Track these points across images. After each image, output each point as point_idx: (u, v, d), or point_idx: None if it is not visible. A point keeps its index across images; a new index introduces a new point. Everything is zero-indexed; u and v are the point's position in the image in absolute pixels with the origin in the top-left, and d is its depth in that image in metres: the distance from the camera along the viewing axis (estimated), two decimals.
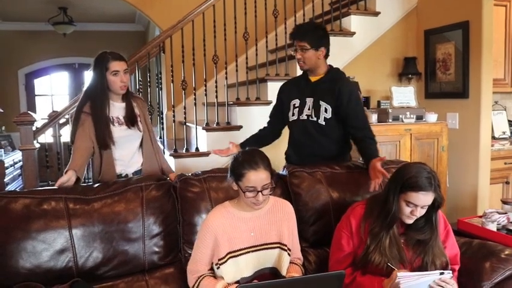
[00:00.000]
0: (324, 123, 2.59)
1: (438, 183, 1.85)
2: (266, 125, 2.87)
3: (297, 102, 2.68)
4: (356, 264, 1.95)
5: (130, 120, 2.55)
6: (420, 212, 1.83)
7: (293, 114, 2.69)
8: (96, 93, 2.47)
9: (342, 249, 1.99)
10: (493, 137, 4.18)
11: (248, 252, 1.90)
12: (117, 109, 2.55)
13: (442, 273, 1.73)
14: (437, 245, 1.90)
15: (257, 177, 1.80)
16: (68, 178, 2.24)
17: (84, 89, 2.56)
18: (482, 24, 3.61)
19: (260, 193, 1.81)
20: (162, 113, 3.93)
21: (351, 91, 2.60)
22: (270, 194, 1.91)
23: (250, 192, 1.82)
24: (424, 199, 1.80)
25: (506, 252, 2.09)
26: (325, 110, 2.59)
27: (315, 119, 2.61)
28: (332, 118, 2.59)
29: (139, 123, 2.59)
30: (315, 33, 2.59)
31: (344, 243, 1.99)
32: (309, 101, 2.63)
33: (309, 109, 2.63)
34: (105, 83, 2.46)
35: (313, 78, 2.68)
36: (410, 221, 1.87)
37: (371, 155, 2.46)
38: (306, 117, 2.63)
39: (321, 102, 2.60)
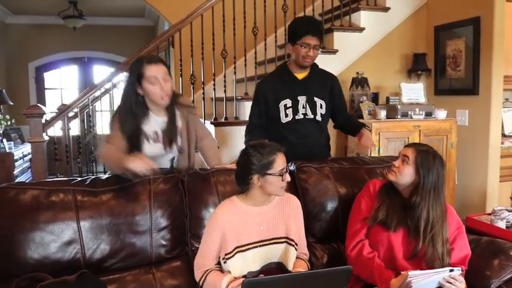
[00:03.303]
0: (320, 119, 2.63)
1: None
2: (256, 131, 2.64)
3: (288, 102, 2.60)
4: (367, 220, 2.02)
5: (169, 138, 2.20)
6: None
7: (286, 115, 2.61)
8: (126, 110, 2.10)
9: (360, 213, 2.07)
10: (503, 135, 4.14)
11: (256, 247, 1.90)
12: (156, 123, 2.20)
13: (451, 270, 1.74)
14: (441, 233, 1.92)
15: (283, 158, 1.87)
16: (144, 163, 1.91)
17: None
18: (494, 20, 3.57)
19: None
20: None
21: (339, 84, 2.78)
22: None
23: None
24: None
25: None
26: (321, 106, 2.62)
27: (312, 116, 2.61)
28: (327, 113, 2.67)
29: (178, 142, 2.26)
30: (323, 30, 2.70)
31: (363, 206, 2.08)
32: (302, 99, 2.60)
33: (303, 107, 2.60)
34: (138, 95, 2.07)
35: (300, 76, 2.63)
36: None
37: (357, 124, 2.76)
38: (302, 116, 2.61)
39: (316, 99, 2.60)
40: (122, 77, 3.80)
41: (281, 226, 1.95)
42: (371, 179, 2.24)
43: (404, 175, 1.96)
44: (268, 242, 1.92)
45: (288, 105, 2.60)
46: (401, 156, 2.00)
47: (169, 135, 2.20)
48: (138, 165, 1.88)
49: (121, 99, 2.16)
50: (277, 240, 1.93)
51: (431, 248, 1.89)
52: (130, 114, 2.10)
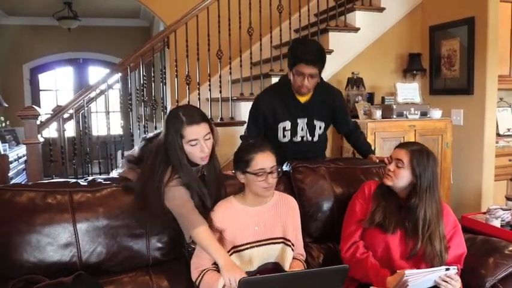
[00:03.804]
0: (317, 139, 2.62)
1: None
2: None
3: (287, 125, 2.55)
4: (363, 223, 2.02)
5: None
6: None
7: (284, 136, 2.58)
8: (180, 162, 1.89)
9: (355, 215, 2.07)
10: (498, 134, 4.16)
11: (252, 246, 1.90)
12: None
13: (447, 269, 1.75)
14: (438, 230, 1.93)
15: (265, 158, 1.84)
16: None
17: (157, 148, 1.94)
18: (488, 20, 3.60)
19: (270, 175, 1.84)
20: (166, 108, 3.93)
21: (342, 99, 2.69)
22: (277, 178, 1.91)
23: (260, 176, 1.83)
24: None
25: (510, 249, 2.10)
26: (320, 128, 2.60)
27: (310, 138, 2.60)
28: (324, 131, 2.65)
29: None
30: (324, 57, 2.39)
31: (357, 209, 2.08)
32: (302, 122, 2.56)
33: (302, 130, 2.57)
34: (183, 151, 1.89)
35: (302, 99, 2.53)
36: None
37: (367, 151, 2.73)
38: (300, 139, 2.59)
39: (315, 122, 2.57)
40: (117, 78, 3.80)
41: (278, 227, 1.96)
42: (367, 180, 2.24)
43: (401, 178, 1.96)
44: (265, 242, 1.92)
45: (286, 128, 2.56)
46: (395, 160, 1.99)
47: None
48: (232, 276, 1.71)
49: (165, 153, 1.90)
50: (274, 241, 1.94)
51: (430, 246, 1.90)
52: (182, 167, 1.91)
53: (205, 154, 1.89)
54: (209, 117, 3.66)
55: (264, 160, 1.84)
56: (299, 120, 2.55)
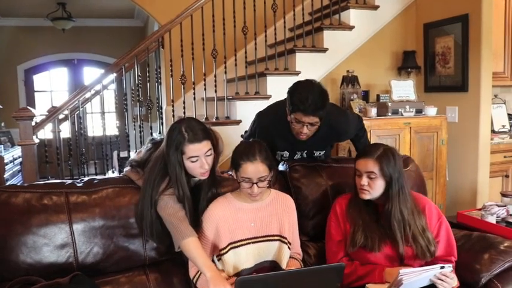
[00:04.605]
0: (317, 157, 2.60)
1: None
2: None
3: (285, 154, 2.53)
4: (347, 250, 1.98)
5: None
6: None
7: (281, 161, 2.54)
8: (176, 178, 1.89)
9: (332, 237, 2.06)
10: (493, 131, 4.18)
11: (249, 243, 1.91)
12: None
13: (442, 267, 1.75)
14: (416, 224, 1.92)
15: (253, 169, 1.82)
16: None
17: (156, 160, 1.97)
18: (482, 17, 3.60)
19: (255, 185, 1.83)
20: (161, 108, 3.92)
21: (352, 132, 2.54)
22: (267, 187, 1.92)
23: (245, 183, 1.85)
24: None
25: (506, 244, 2.10)
26: (319, 154, 2.57)
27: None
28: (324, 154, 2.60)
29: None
30: (325, 104, 2.15)
31: (333, 231, 2.06)
32: (300, 153, 2.54)
33: (300, 156, 2.55)
34: (182, 166, 1.89)
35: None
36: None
37: None
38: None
39: (316, 152, 2.54)
40: (112, 79, 3.79)
41: (274, 224, 1.96)
42: (337, 197, 2.18)
43: (377, 189, 1.93)
44: (261, 239, 1.93)
45: (284, 156, 2.54)
46: (365, 173, 1.93)
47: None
48: None
49: (164, 165, 1.92)
50: (270, 238, 1.95)
51: (415, 244, 1.90)
52: (178, 183, 1.91)
53: (205, 170, 1.89)
54: (204, 116, 3.69)
55: (252, 170, 1.82)
56: (298, 152, 2.52)
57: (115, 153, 4.38)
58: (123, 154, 3.87)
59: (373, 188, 1.93)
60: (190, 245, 1.82)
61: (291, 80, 2.50)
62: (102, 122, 3.73)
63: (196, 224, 1.93)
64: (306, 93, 2.10)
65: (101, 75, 3.68)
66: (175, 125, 1.89)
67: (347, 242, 1.98)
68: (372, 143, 2.54)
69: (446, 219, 2.06)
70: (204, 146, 1.85)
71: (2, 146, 5.92)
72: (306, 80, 2.22)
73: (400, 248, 1.90)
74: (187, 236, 1.82)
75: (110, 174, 3.96)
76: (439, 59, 4.05)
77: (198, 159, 1.85)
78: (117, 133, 4.12)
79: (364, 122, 2.68)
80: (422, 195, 2.16)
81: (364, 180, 1.93)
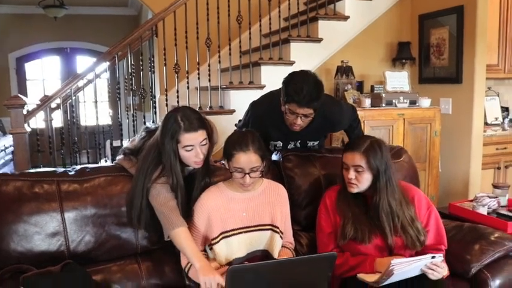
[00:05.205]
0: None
1: None
2: None
3: (279, 144, 2.51)
4: (337, 242, 1.99)
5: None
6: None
7: (275, 151, 2.53)
8: (171, 166, 1.88)
9: (322, 229, 2.06)
10: (486, 123, 4.19)
11: (241, 232, 1.91)
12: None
13: (433, 257, 1.76)
14: (404, 214, 1.92)
15: (246, 159, 1.81)
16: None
17: (150, 148, 1.95)
18: (477, 9, 3.60)
19: (247, 175, 1.83)
20: (154, 97, 3.90)
21: (346, 123, 2.52)
22: (260, 177, 1.92)
23: (238, 173, 1.84)
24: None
25: (496, 235, 2.13)
26: (313, 144, 2.55)
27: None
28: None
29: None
30: (320, 95, 2.12)
31: (323, 223, 2.06)
32: (294, 143, 2.51)
33: (294, 146, 2.52)
34: (176, 155, 1.88)
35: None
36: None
37: None
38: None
39: (309, 142, 2.53)
40: (105, 67, 3.76)
41: (266, 213, 1.96)
42: (327, 189, 2.18)
43: (364, 182, 1.93)
44: (253, 229, 1.93)
45: (278, 146, 2.52)
46: (352, 166, 1.92)
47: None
48: (208, 279, 1.71)
49: (158, 153, 1.90)
50: (262, 227, 1.95)
51: (404, 235, 1.90)
52: (172, 172, 1.90)
53: (200, 159, 1.88)
54: (198, 106, 3.67)
55: (244, 160, 1.81)
56: (291, 142, 2.50)
57: (108, 142, 4.36)
58: (116, 143, 3.86)
59: (361, 182, 1.93)
60: (180, 235, 1.82)
61: (285, 70, 2.49)
62: (95, 111, 3.71)
63: (190, 213, 1.93)
64: (301, 84, 2.07)
65: (94, 64, 3.66)
66: (171, 114, 1.88)
67: (337, 235, 1.98)
68: (365, 134, 2.54)
69: (435, 208, 2.07)
70: (200, 135, 1.85)
71: None
72: (302, 70, 2.20)
73: (389, 240, 1.91)
74: (177, 226, 1.82)
75: (103, 163, 3.94)
76: (434, 50, 4.05)
77: (193, 148, 1.85)
78: (110, 122, 4.08)
79: (358, 112, 2.67)
80: (412, 185, 2.16)
81: (352, 174, 1.92)
